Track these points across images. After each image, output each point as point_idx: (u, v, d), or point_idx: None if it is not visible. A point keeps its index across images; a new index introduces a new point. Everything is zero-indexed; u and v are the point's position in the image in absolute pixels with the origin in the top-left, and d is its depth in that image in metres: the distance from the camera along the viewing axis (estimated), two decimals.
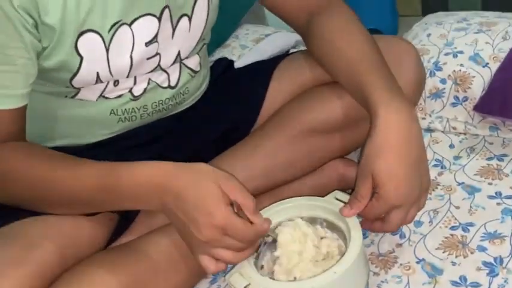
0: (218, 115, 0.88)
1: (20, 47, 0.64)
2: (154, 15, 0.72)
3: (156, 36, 0.74)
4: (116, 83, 0.76)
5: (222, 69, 0.98)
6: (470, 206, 0.80)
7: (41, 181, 0.65)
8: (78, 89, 0.74)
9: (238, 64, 1.06)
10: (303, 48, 1.17)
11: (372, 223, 0.70)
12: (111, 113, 0.78)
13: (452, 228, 0.77)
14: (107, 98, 0.76)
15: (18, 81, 0.66)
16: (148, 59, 0.75)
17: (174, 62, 0.79)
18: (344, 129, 0.83)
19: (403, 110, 0.67)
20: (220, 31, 1.38)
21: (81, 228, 0.69)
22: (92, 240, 0.71)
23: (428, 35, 1.04)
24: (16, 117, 0.68)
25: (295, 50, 1.26)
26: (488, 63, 0.96)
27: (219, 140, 0.87)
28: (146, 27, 0.72)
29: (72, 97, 0.75)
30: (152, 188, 0.61)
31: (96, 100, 0.76)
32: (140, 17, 0.71)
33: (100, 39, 0.69)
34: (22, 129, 0.71)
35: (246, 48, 1.34)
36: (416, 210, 0.68)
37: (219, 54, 1.34)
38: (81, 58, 0.69)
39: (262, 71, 0.91)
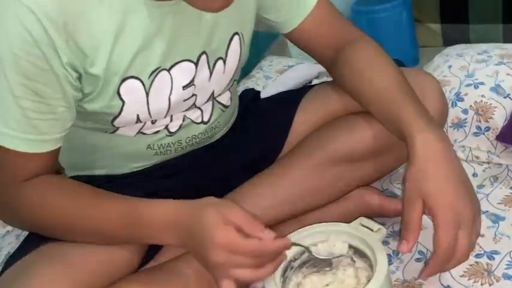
0: (246, 144, 0.90)
1: (61, 97, 0.67)
2: (191, 61, 0.75)
3: (193, 80, 0.76)
4: (154, 120, 0.78)
5: (249, 100, 1.01)
6: (495, 234, 0.81)
7: (70, 218, 0.69)
8: (118, 128, 0.77)
9: (262, 95, 1.10)
10: (326, 78, 1.20)
11: (444, 264, 0.66)
12: (147, 147, 0.81)
13: (477, 256, 0.78)
14: (144, 134, 0.79)
15: (56, 128, 0.69)
16: (185, 100, 0.78)
17: (208, 100, 0.82)
18: (369, 158, 0.84)
19: (439, 134, 0.69)
20: (244, 65, 1.43)
21: (116, 251, 0.72)
22: (126, 262, 0.73)
23: (450, 67, 1.07)
24: (50, 156, 0.71)
25: (317, 81, 1.29)
26: (509, 94, 0.98)
27: (247, 168, 0.89)
28: (184, 72, 0.75)
29: (112, 133, 0.78)
30: (168, 226, 0.65)
31: (134, 136, 0.79)
32: (178, 62, 0.74)
33: (141, 84, 0.72)
34: (55, 164, 0.74)
35: (270, 79, 1.38)
36: (476, 235, 0.67)
37: (244, 85, 1.38)
38: (123, 102, 0.72)
39: (289, 101, 0.93)
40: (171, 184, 0.82)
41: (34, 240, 0.72)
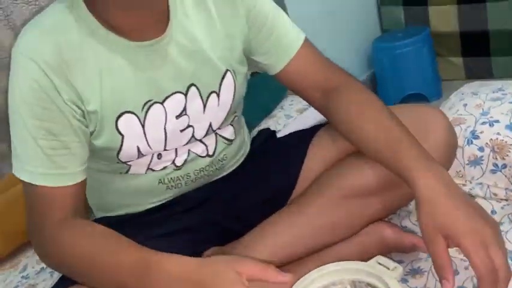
0: (259, 182, 0.94)
1: (71, 133, 0.75)
2: (181, 92, 0.81)
3: (184, 109, 0.82)
4: (160, 156, 0.84)
5: (264, 139, 1.05)
6: None
7: (89, 263, 0.72)
8: (129, 166, 0.84)
9: (282, 133, 1.14)
10: None
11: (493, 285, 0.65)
12: (159, 182, 0.87)
13: None
14: (153, 170, 0.85)
15: (73, 162, 0.76)
16: (181, 131, 0.84)
17: (207, 133, 0.87)
18: (381, 193, 0.86)
19: (439, 170, 0.70)
20: (266, 103, 1.48)
21: None
22: None
23: (465, 105, 1.08)
24: (76, 191, 0.77)
25: None
26: None
27: (263, 204, 0.92)
28: (175, 102, 0.81)
29: (126, 173, 0.85)
30: (178, 283, 0.66)
31: (145, 173, 0.85)
32: (170, 95, 0.80)
33: (136, 118, 0.79)
34: (83, 201, 0.80)
35: (291, 118, 1.42)
36: (503, 253, 0.65)
37: (265, 123, 1.43)
38: (122, 136, 0.79)
39: (300, 140, 0.97)
40: (190, 221, 0.86)
41: (67, 280, 0.77)
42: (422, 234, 0.69)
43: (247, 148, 1.01)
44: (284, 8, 1.75)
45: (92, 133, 0.78)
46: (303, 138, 0.97)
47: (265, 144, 1.04)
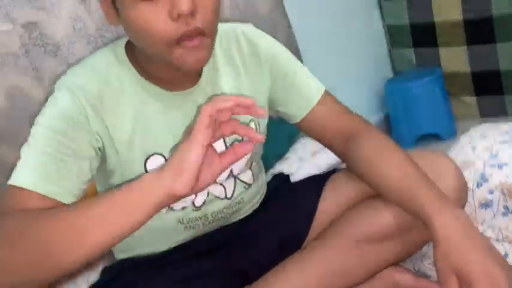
0: (274, 226, 0.96)
1: (81, 158, 0.74)
2: None
3: None
4: None
5: (278, 183, 1.08)
6: None
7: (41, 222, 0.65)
8: None
9: (297, 176, 1.17)
10: None
11: None
12: (178, 222, 0.90)
13: None
14: (173, 210, 0.89)
15: (70, 182, 0.72)
16: None
17: (228, 177, 0.91)
18: (396, 237, 0.88)
19: (455, 211, 0.73)
20: (279, 146, 1.52)
21: None
22: None
23: (473, 148, 1.10)
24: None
25: None
26: None
27: (277, 248, 0.94)
28: None
29: None
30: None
31: (166, 212, 0.89)
32: None
33: (164, 160, 0.83)
34: None
35: (304, 160, 1.44)
36: None
37: (279, 166, 1.45)
38: None
39: (315, 185, 1.00)
40: (207, 264, 0.89)
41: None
42: (437, 272, 0.71)
43: (263, 192, 1.04)
44: (299, 53, 1.82)
45: (112, 171, 0.82)
46: (317, 183, 1.00)
47: (280, 189, 1.07)
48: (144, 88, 0.82)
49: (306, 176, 1.15)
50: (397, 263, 0.94)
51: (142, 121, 0.81)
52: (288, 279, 0.86)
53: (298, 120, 0.95)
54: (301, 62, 1.82)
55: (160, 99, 0.82)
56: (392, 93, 2.20)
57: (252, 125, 0.91)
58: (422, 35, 2.27)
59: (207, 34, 0.73)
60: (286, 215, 0.98)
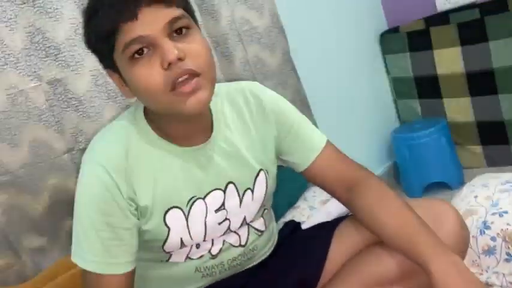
0: (286, 273, 1.00)
1: (127, 226, 0.84)
2: (220, 189, 0.92)
3: (223, 204, 0.92)
4: (198, 246, 0.93)
5: (289, 231, 1.13)
6: None
7: None
8: (170, 255, 0.92)
9: (307, 224, 1.21)
10: None
11: None
12: (195, 270, 0.95)
13: None
14: (192, 259, 0.94)
15: (125, 252, 0.85)
16: (219, 223, 0.93)
17: (242, 225, 0.96)
18: (402, 281, 0.92)
19: (453, 257, 0.78)
20: (290, 194, 1.56)
21: None
22: None
23: (476, 197, 1.14)
24: (124, 280, 0.85)
25: None
26: None
27: None
28: (215, 198, 0.92)
29: (166, 261, 0.93)
30: None
31: (184, 261, 0.93)
32: (211, 192, 0.91)
33: (181, 212, 0.89)
34: None
35: (314, 209, 1.49)
36: None
37: (290, 214, 1.49)
38: (169, 229, 0.88)
39: (324, 232, 1.04)
40: None
41: None
42: None
43: (275, 239, 1.09)
44: (308, 106, 1.89)
45: (142, 225, 0.87)
46: (326, 230, 1.05)
47: (292, 236, 1.12)
48: (162, 147, 0.88)
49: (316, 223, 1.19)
50: None
51: (161, 177, 0.87)
52: None
53: (303, 168, 1.01)
54: (311, 113, 1.90)
55: (177, 155, 0.88)
56: (399, 142, 2.25)
57: (262, 173, 0.97)
58: (426, 87, 2.33)
59: (202, 75, 0.79)
60: (297, 263, 1.02)
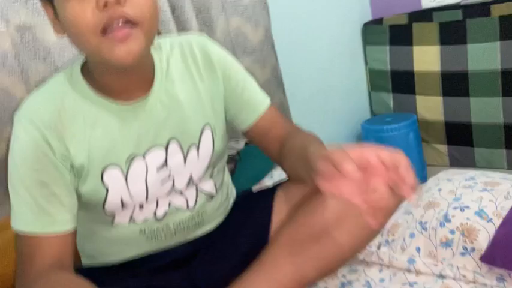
0: (235, 241, 0.99)
1: (62, 184, 0.82)
2: (161, 146, 0.90)
3: (165, 162, 0.90)
4: (141, 206, 0.91)
5: (240, 196, 1.11)
6: None
7: None
8: (113, 217, 0.90)
9: None
10: None
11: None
12: (140, 232, 0.94)
13: None
14: (136, 221, 0.92)
15: (62, 210, 0.83)
16: (162, 182, 0.91)
17: (189, 185, 0.94)
18: (330, 232, 0.90)
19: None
20: (257, 171, 1.55)
21: None
22: None
23: (439, 190, 1.16)
24: (63, 241, 0.82)
25: None
26: (492, 219, 1.06)
27: (238, 263, 0.95)
28: (156, 156, 0.89)
29: (110, 223, 0.92)
30: None
31: (128, 224, 0.92)
32: (150, 148, 0.88)
33: (119, 170, 0.86)
34: (71, 251, 0.84)
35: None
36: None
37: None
38: (107, 188, 0.86)
39: (268, 191, 1.05)
40: (168, 279, 0.92)
41: None
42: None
43: (228, 207, 1.07)
44: (283, 89, 1.87)
45: (77, 184, 0.86)
46: (269, 189, 1.05)
47: (240, 202, 1.10)
48: (98, 102, 0.85)
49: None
50: (348, 259, 0.96)
51: (97, 134, 0.85)
52: (257, 284, 0.88)
53: (246, 126, 1.00)
54: (284, 96, 1.89)
55: (114, 110, 0.86)
56: (368, 133, 2.28)
57: (208, 130, 0.95)
58: (401, 82, 2.37)
59: (140, 25, 0.74)
60: (244, 229, 1.01)
